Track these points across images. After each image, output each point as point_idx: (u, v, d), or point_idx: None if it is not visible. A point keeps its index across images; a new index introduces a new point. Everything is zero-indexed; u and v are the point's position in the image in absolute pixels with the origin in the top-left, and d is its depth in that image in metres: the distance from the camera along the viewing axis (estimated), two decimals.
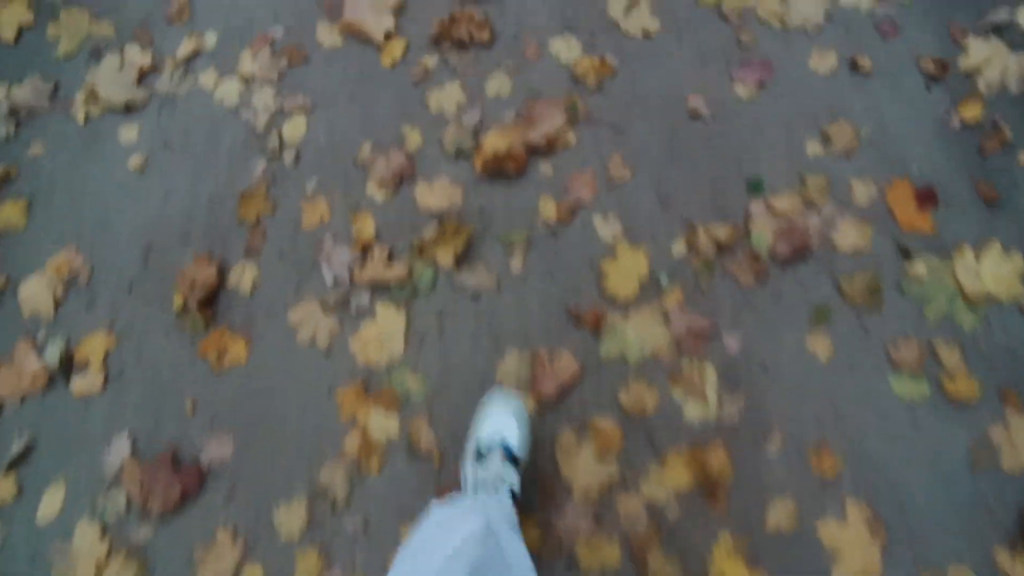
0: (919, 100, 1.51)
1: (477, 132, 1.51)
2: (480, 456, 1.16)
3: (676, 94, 1.54)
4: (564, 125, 1.50)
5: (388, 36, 1.61)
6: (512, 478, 1.10)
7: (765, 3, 1.60)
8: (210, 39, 1.65)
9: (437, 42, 1.61)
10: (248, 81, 1.59)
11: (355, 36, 1.63)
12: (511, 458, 1.14)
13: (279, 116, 1.56)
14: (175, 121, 1.58)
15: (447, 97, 1.55)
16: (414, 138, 1.52)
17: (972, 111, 1.49)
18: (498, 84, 1.56)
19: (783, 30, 1.59)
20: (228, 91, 1.58)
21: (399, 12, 1.65)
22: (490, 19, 1.63)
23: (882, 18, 1.59)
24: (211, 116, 1.57)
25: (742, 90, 1.53)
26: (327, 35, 1.63)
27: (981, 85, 1.51)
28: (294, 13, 1.67)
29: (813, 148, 1.48)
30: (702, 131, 1.51)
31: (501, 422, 1.19)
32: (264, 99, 1.56)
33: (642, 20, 1.61)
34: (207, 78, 1.61)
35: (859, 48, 1.57)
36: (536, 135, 1.48)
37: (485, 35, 1.60)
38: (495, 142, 1.47)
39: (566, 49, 1.59)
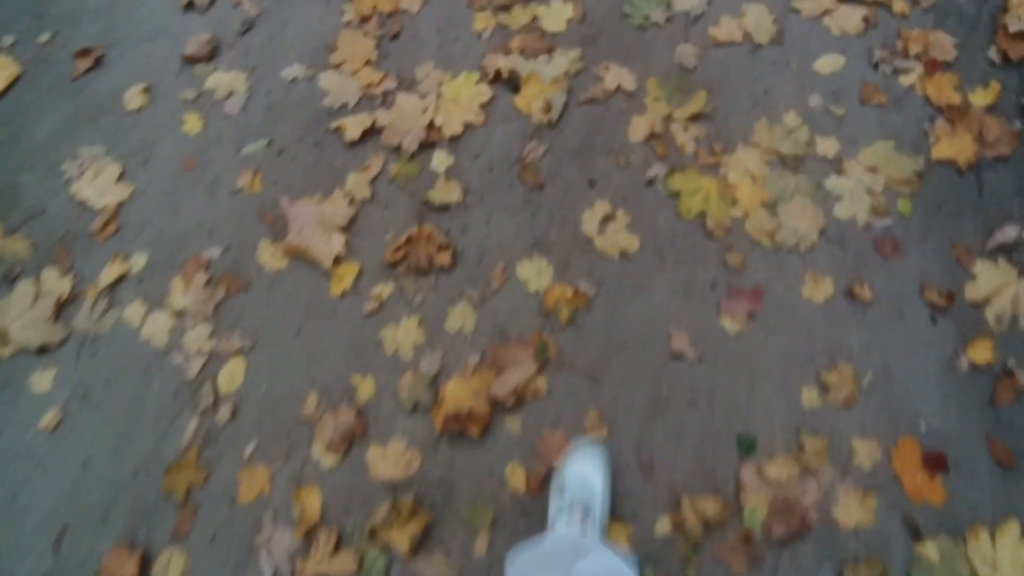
0: (924, 336, 1.48)
1: (437, 380, 1.47)
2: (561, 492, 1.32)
3: (658, 330, 1.51)
4: (533, 372, 1.44)
5: (338, 260, 1.55)
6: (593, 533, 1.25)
7: (753, 218, 1.58)
8: (138, 261, 1.60)
9: (393, 266, 1.56)
10: (179, 315, 1.52)
11: (302, 258, 1.57)
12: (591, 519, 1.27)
13: (214, 360, 1.49)
14: (96, 366, 1.52)
15: (404, 336, 1.50)
16: (366, 388, 1.46)
17: (982, 351, 1.46)
18: (460, 318, 1.51)
19: (774, 250, 1.56)
20: (156, 328, 1.53)
21: (350, 228, 1.60)
22: (451, 238, 1.58)
23: (881, 233, 1.57)
24: (137, 360, 1.52)
25: (730, 324, 1.50)
26: (270, 256, 1.58)
27: (990, 318, 1.49)
28: (233, 229, 1.63)
29: (810, 397, 1.44)
30: (687, 376, 1.46)
31: (590, 475, 1.34)
32: (197, 338, 1.51)
33: (619, 237, 1.58)
34: (133, 311, 1.56)
35: (857, 271, 1.54)
36: (502, 388, 1.44)
37: (446, 258, 1.56)
38: (457, 395, 1.43)
39: (536, 274, 1.55)
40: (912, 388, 1.46)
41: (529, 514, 1.38)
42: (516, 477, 1.40)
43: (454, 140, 1.70)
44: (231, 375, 1.50)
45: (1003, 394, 1.45)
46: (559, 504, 1.31)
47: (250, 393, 1.50)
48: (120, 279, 1.60)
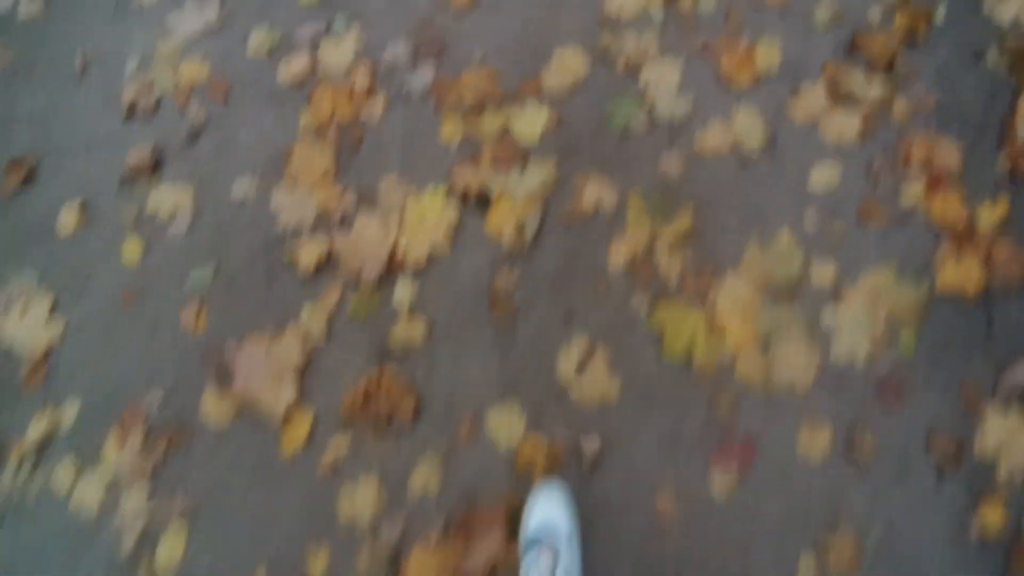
0: (931, 496, 1.42)
1: (399, 552, 1.37)
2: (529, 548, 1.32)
3: (641, 490, 1.45)
4: (505, 544, 1.35)
5: (289, 411, 1.45)
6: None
7: (744, 358, 1.50)
8: (70, 412, 1.52)
9: (349, 419, 1.46)
10: (114, 478, 1.43)
11: (250, 410, 1.47)
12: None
13: (151, 530, 1.40)
14: (22, 539, 1.44)
15: (362, 499, 1.41)
16: (320, 563, 1.39)
17: (993, 515, 1.39)
18: (424, 478, 1.43)
19: (766, 395, 1.48)
20: (88, 494, 1.45)
21: (304, 372, 1.50)
22: (415, 384, 1.49)
23: (883, 376, 1.50)
24: (67, 531, 1.45)
25: (719, 483, 1.42)
26: (215, 407, 1.49)
27: (1002, 476, 1.40)
28: (175, 373, 1.55)
29: (807, 566, 1.35)
30: (675, 545, 1.40)
31: (549, 514, 1.35)
32: (133, 504, 1.43)
33: (598, 382, 1.50)
34: (63, 472, 1.47)
35: (857, 419, 1.47)
36: (471, 564, 1.33)
37: (409, 408, 1.48)
38: (420, 573, 1.32)
39: (507, 426, 1.47)
40: (919, 557, 1.38)
41: None
42: None
43: (418, 269, 1.60)
44: (170, 549, 1.41)
45: (1018, 565, 1.36)
46: (526, 562, 1.30)
47: (192, 570, 1.40)
48: (49, 434, 1.50)
